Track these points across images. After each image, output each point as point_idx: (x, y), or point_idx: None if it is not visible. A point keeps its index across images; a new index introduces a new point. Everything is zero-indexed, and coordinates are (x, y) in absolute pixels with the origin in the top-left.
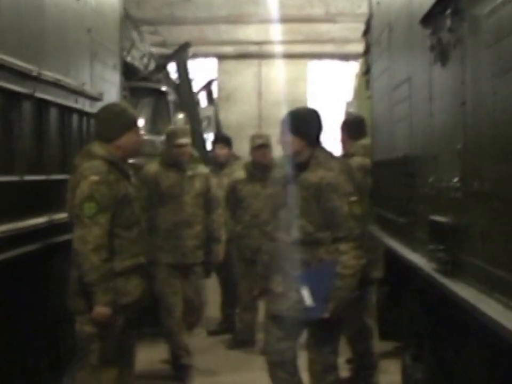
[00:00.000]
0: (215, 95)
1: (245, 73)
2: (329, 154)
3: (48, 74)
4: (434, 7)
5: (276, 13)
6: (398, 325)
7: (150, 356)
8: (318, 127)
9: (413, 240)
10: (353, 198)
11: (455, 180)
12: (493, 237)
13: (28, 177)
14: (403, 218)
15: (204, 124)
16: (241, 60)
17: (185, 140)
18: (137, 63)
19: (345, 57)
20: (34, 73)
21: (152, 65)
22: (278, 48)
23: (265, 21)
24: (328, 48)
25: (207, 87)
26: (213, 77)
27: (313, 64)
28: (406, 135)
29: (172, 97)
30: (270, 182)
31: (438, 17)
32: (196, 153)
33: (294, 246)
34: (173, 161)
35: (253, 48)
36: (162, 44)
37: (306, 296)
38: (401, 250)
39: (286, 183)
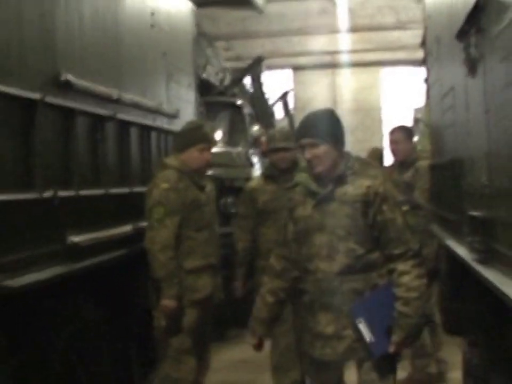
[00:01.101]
0: (291, 105)
1: (319, 83)
2: (362, 161)
3: (127, 97)
4: (464, 24)
5: (347, 23)
6: (460, 318)
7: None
8: (343, 131)
9: (459, 235)
10: (405, 208)
11: (484, 179)
12: None
13: (113, 190)
14: (453, 215)
15: None
16: (316, 70)
17: (285, 144)
18: (212, 79)
19: (418, 63)
20: (115, 97)
21: (227, 80)
22: (351, 57)
23: (337, 31)
24: (400, 55)
25: (283, 98)
26: (289, 88)
27: (385, 72)
28: (452, 140)
29: (247, 110)
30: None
31: (467, 34)
32: (302, 161)
33: (340, 276)
34: (272, 170)
35: (326, 58)
36: (237, 58)
37: (365, 331)
38: (452, 245)
39: (318, 203)
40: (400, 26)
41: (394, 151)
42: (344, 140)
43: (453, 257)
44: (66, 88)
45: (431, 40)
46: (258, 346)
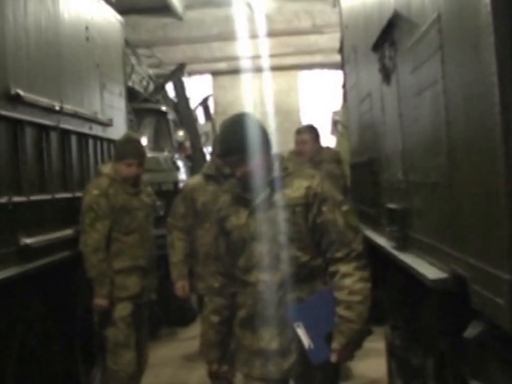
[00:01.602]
0: (211, 110)
1: (239, 87)
2: (293, 162)
3: (68, 107)
4: (379, 38)
5: (264, 28)
6: (383, 305)
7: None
8: (267, 132)
9: (378, 226)
10: (345, 207)
11: (399, 174)
12: (425, 216)
13: (58, 195)
14: (372, 209)
15: (203, 139)
16: (235, 75)
17: None
18: (137, 86)
19: (335, 66)
20: (58, 108)
21: (151, 87)
22: (269, 61)
23: (255, 36)
24: (317, 58)
25: (204, 103)
26: (209, 93)
27: (303, 75)
28: (370, 141)
29: (171, 116)
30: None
31: (382, 46)
32: None
33: (284, 286)
34: (215, 172)
35: (245, 63)
36: (158, 65)
37: (303, 336)
38: (372, 236)
39: (254, 211)
40: (316, 30)
41: (301, 152)
42: (270, 141)
43: (373, 248)
44: (16, 101)
45: (348, 49)
46: (217, 372)
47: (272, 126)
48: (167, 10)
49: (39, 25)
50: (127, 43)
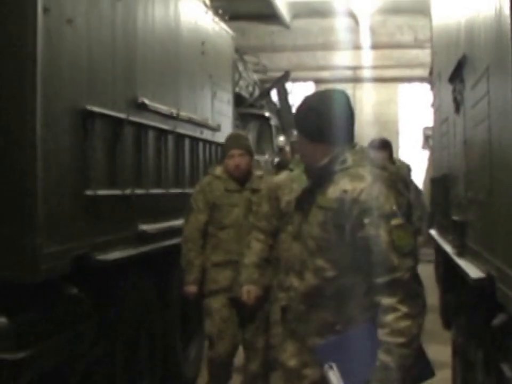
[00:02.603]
0: None
1: None
2: (363, 156)
3: (183, 114)
4: (452, 73)
5: (368, 40)
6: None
7: None
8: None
9: (447, 235)
10: (396, 221)
11: (462, 191)
12: (475, 227)
13: (171, 190)
14: (444, 220)
15: None
16: (337, 83)
17: None
18: (243, 92)
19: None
20: (175, 114)
21: (256, 92)
22: (371, 73)
23: (359, 47)
24: (417, 72)
25: None
26: None
27: (403, 87)
28: (445, 160)
29: (274, 121)
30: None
31: (454, 80)
32: None
33: (308, 299)
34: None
35: (347, 73)
36: (264, 71)
37: (334, 380)
38: (442, 244)
39: (299, 202)
40: (418, 44)
41: None
42: (327, 133)
43: (444, 253)
44: (141, 108)
45: (435, 73)
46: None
47: (369, 135)
48: (275, 18)
49: (163, 42)
50: (236, 50)
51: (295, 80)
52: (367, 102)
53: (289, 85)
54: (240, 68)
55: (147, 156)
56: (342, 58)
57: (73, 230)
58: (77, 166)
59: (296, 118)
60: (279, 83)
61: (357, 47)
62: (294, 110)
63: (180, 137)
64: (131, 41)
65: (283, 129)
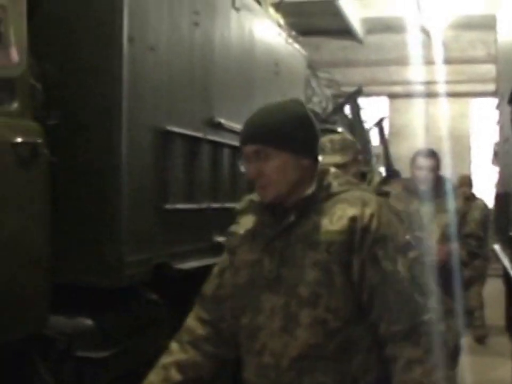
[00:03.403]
0: (386, 131)
1: (413, 111)
2: (346, 179)
3: None
4: (510, 96)
5: (441, 55)
6: None
7: None
8: (315, 133)
9: (507, 250)
10: (414, 254)
11: None
12: None
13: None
14: (503, 235)
15: (374, 159)
16: (410, 98)
17: (333, 158)
18: (316, 108)
19: None
20: None
21: (329, 108)
22: (443, 88)
23: (432, 62)
24: (490, 87)
25: (379, 124)
26: (384, 115)
27: (475, 102)
28: (506, 177)
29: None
30: None
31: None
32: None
33: (301, 363)
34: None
35: (420, 88)
36: (337, 85)
37: None
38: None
39: (270, 243)
40: (490, 60)
41: (420, 179)
42: (315, 147)
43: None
44: (217, 127)
45: (500, 93)
46: None
47: (441, 150)
48: (348, 33)
49: (238, 64)
50: (309, 66)
51: (368, 95)
52: (439, 116)
53: (362, 100)
54: (313, 83)
55: (222, 172)
56: (414, 73)
57: (153, 241)
58: (158, 182)
59: (265, 126)
60: (352, 98)
61: (429, 62)
62: (366, 125)
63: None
64: (208, 64)
65: None
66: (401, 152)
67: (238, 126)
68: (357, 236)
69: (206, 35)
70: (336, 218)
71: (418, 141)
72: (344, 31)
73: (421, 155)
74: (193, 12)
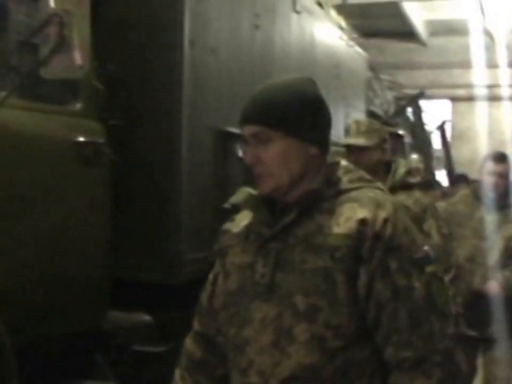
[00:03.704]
0: (448, 134)
1: (476, 114)
2: (358, 174)
3: None
4: None
5: (504, 58)
6: None
7: None
8: (325, 119)
9: None
10: (432, 268)
11: None
12: None
13: None
14: None
15: (434, 162)
16: (473, 102)
17: (357, 140)
18: (378, 110)
19: None
20: None
21: (391, 110)
22: (507, 91)
23: (495, 65)
24: None
25: (441, 127)
26: (447, 118)
27: None
28: None
29: (407, 139)
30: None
31: None
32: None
33: None
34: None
35: (483, 91)
36: (399, 88)
37: None
38: None
39: (265, 244)
40: None
41: (495, 185)
42: (326, 134)
43: None
44: None
45: None
46: None
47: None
48: (412, 36)
49: (298, 66)
50: (371, 68)
51: (430, 97)
52: (502, 120)
53: (424, 103)
54: (376, 86)
55: None
56: (478, 76)
57: (212, 239)
58: (217, 182)
59: (268, 105)
60: (414, 101)
61: (493, 65)
62: (428, 128)
63: None
64: (268, 66)
65: (416, 148)
66: (463, 155)
67: None
68: (367, 242)
69: (266, 37)
70: (343, 219)
71: (481, 144)
72: (407, 33)
73: (491, 159)
74: (253, 15)
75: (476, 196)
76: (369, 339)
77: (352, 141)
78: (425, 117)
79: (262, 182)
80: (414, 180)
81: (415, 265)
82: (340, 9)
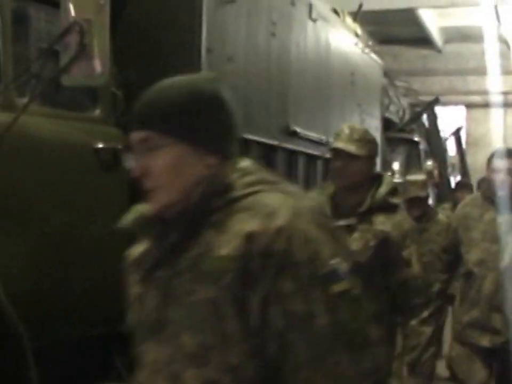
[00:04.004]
0: (463, 140)
1: (491, 121)
2: (262, 176)
3: (331, 140)
4: None
5: None
6: None
7: None
8: (228, 118)
9: None
10: (340, 286)
11: None
12: None
13: None
14: None
15: (449, 169)
16: (488, 108)
17: (345, 145)
18: (393, 117)
19: None
20: (324, 141)
21: (406, 117)
22: None
23: (510, 72)
24: None
25: (456, 134)
26: (461, 125)
27: None
28: None
29: (423, 145)
30: None
31: None
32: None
33: None
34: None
35: (498, 98)
36: (415, 94)
37: None
38: None
39: (150, 273)
40: None
41: (500, 183)
42: (228, 141)
43: None
44: (293, 136)
45: None
46: None
47: None
48: (427, 42)
49: (314, 74)
50: (386, 75)
51: (445, 104)
52: None
53: (439, 109)
54: (391, 93)
55: (297, 179)
56: (493, 83)
57: None
58: None
59: (156, 106)
60: (429, 108)
61: (508, 72)
62: (443, 135)
63: (328, 162)
64: (285, 74)
65: (431, 153)
66: (478, 162)
67: (313, 135)
68: (255, 261)
69: (282, 45)
70: (231, 236)
71: None
72: (422, 40)
73: (498, 155)
74: (270, 23)
75: (486, 197)
76: (276, 381)
77: (342, 145)
78: (440, 124)
79: (151, 199)
80: (396, 200)
81: (317, 285)
82: (356, 16)
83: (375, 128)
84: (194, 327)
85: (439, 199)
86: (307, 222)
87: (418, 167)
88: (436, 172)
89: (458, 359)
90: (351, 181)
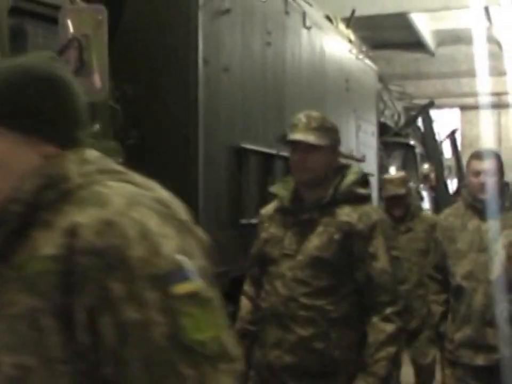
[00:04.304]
0: (458, 143)
1: (485, 122)
2: (103, 165)
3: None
4: None
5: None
6: None
7: None
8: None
9: None
10: (184, 287)
11: None
12: None
13: None
14: None
15: (446, 172)
16: (482, 110)
17: (304, 136)
18: (389, 121)
19: None
20: None
21: (401, 121)
22: None
23: (503, 73)
24: None
25: (451, 136)
26: (456, 127)
27: None
28: None
29: (418, 149)
30: None
31: None
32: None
33: None
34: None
35: (492, 99)
36: (409, 98)
37: None
38: None
39: None
40: None
41: (482, 186)
42: (69, 127)
43: None
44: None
45: None
46: None
47: None
48: (420, 46)
49: (310, 81)
50: (381, 79)
51: (440, 107)
52: (511, 127)
53: (434, 113)
54: (385, 97)
55: None
56: (486, 85)
57: (230, 254)
58: (233, 197)
59: None
60: (424, 111)
61: (501, 73)
62: (439, 137)
63: None
64: (280, 82)
65: (427, 157)
66: None
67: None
68: (78, 261)
69: (277, 54)
70: (55, 232)
71: None
72: (415, 43)
73: (476, 157)
74: (265, 32)
75: (467, 204)
76: None
77: (300, 136)
78: (435, 127)
79: None
80: (364, 191)
81: (155, 287)
82: (349, 22)
83: (371, 133)
84: (13, 345)
85: (436, 202)
86: (146, 212)
87: (415, 170)
88: (432, 175)
89: None
90: (314, 174)
